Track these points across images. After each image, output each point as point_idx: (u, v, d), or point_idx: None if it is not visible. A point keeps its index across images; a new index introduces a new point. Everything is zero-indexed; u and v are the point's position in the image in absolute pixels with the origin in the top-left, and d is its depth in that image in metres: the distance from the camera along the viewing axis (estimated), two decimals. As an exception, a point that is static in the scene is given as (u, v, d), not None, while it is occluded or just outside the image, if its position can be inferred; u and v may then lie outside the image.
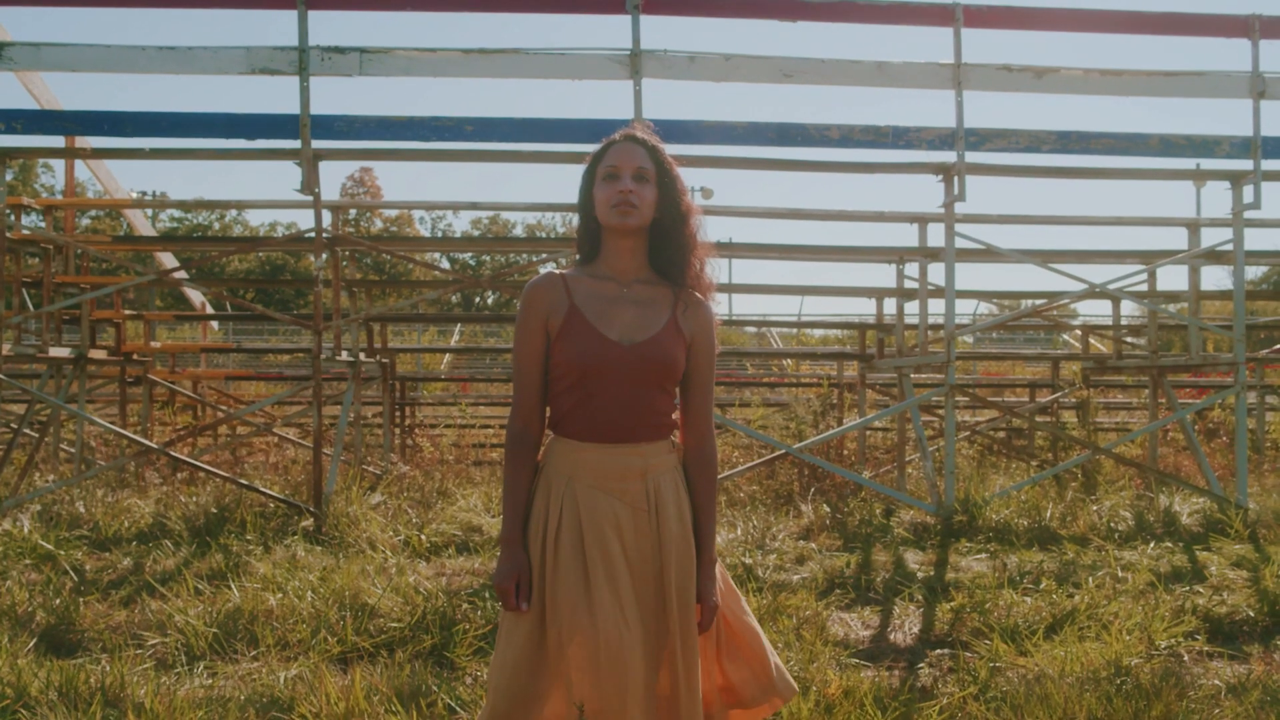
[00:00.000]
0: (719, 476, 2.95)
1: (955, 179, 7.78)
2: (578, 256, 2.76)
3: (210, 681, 4.33)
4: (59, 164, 46.17)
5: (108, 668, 4.26)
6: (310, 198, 7.63)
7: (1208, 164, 8.57)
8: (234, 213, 50.77)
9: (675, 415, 2.70)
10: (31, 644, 4.70)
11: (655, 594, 2.56)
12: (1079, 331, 13.48)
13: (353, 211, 47.58)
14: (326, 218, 8.77)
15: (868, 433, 12.24)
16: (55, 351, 8.97)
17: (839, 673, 4.36)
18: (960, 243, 8.06)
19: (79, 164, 10.93)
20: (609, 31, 61.97)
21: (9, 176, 7.72)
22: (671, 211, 2.63)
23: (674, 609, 2.55)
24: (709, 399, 2.71)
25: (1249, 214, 8.16)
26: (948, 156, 7.81)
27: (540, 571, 2.54)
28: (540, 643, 2.50)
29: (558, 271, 2.66)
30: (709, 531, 2.69)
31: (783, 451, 8.15)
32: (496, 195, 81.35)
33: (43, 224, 10.12)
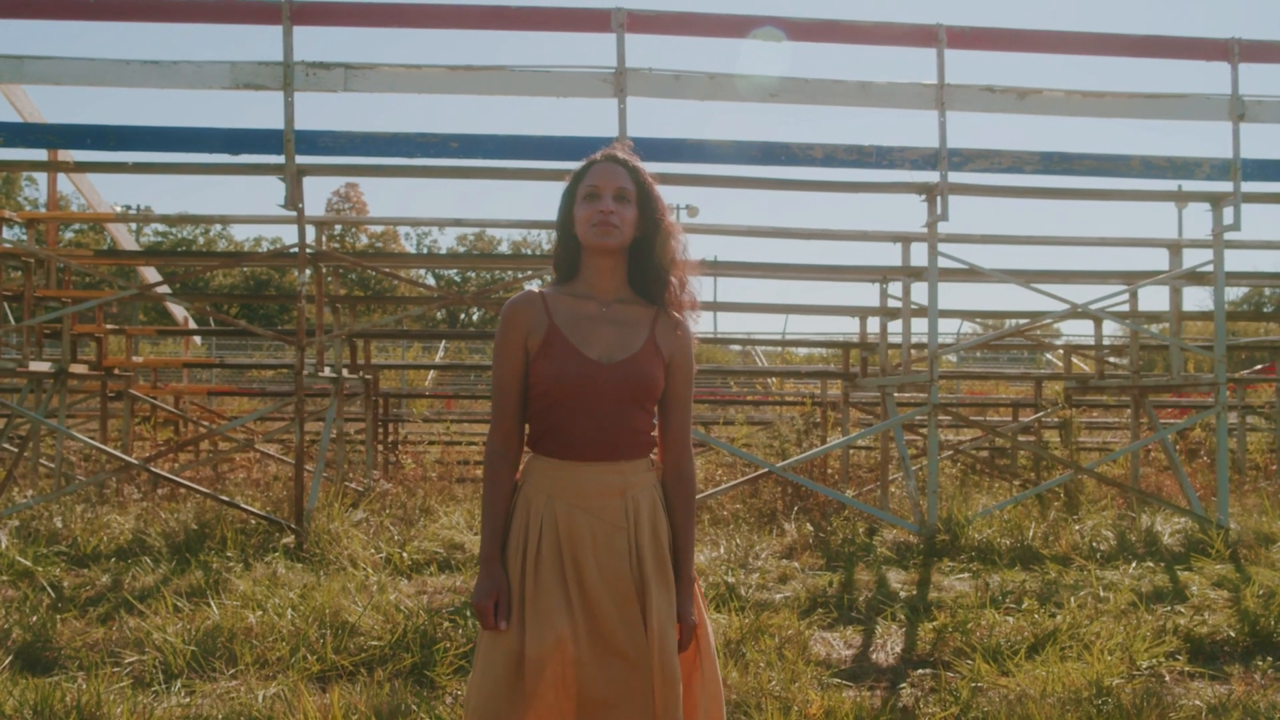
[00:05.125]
0: (700, 495, 2.94)
1: (938, 199, 7.82)
2: (551, 277, 2.76)
3: (188, 700, 4.30)
4: (42, 177, 45.98)
5: (84, 686, 4.22)
6: (294, 213, 7.62)
7: (1189, 185, 8.64)
8: (218, 227, 50.61)
9: (654, 434, 2.69)
10: (7, 661, 4.66)
11: (635, 612, 2.55)
12: (1061, 351, 13.56)
13: (338, 227, 47.46)
14: (311, 233, 8.75)
15: (851, 451, 12.25)
16: (36, 365, 8.91)
17: (821, 692, 4.36)
18: (943, 262, 8.09)
19: (62, 178, 10.89)
20: (594, 50, 62.14)
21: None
22: (652, 232, 2.64)
23: (653, 627, 2.54)
24: (687, 418, 2.71)
25: (1229, 235, 8.23)
26: (931, 176, 7.85)
27: (519, 590, 2.53)
28: (519, 662, 2.48)
29: (537, 290, 2.66)
30: (687, 550, 2.69)
31: (766, 470, 8.15)
32: (482, 211, 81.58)
33: (24, 237, 10.07)
